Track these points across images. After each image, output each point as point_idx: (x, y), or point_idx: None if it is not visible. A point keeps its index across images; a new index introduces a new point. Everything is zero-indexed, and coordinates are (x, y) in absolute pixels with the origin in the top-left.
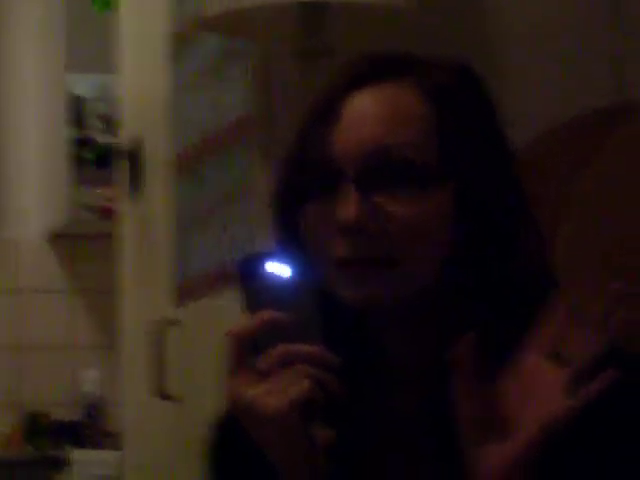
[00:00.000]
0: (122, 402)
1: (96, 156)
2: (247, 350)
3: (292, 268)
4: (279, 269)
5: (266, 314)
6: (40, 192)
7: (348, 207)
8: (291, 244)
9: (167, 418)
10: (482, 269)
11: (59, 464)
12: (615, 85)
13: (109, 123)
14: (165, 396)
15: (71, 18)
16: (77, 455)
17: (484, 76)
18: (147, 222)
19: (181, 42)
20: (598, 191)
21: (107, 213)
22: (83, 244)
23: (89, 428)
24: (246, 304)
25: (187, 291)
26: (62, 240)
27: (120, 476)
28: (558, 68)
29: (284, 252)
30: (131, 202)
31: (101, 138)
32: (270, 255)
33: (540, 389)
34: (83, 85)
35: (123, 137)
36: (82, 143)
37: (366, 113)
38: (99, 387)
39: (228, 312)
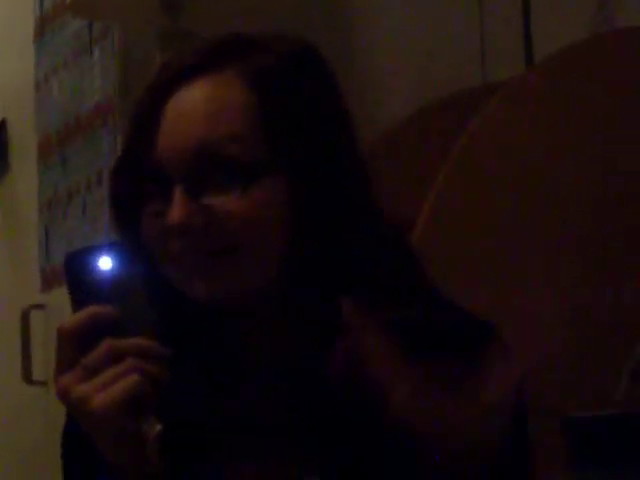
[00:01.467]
0: None
1: None
2: (75, 346)
3: (120, 261)
4: (107, 263)
5: (92, 309)
6: None
7: (174, 209)
8: (133, 245)
9: (33, 402)
10: (321, 258)
11: None
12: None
13: None
14: (31, 381)
15: None
16: None
17: (331, 55)
18: (13, 206)
19: (46, 25)
20: (457, 173)
21: None
22: None
23: None
24: (73, 299)
25: (52, 277)
26: None
27: None
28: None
29: (112, 245)
30: None
31: None
32: (98, 249)
33: None
34: None
35: None
36: None
37: (186, 111)
38: None
39: None
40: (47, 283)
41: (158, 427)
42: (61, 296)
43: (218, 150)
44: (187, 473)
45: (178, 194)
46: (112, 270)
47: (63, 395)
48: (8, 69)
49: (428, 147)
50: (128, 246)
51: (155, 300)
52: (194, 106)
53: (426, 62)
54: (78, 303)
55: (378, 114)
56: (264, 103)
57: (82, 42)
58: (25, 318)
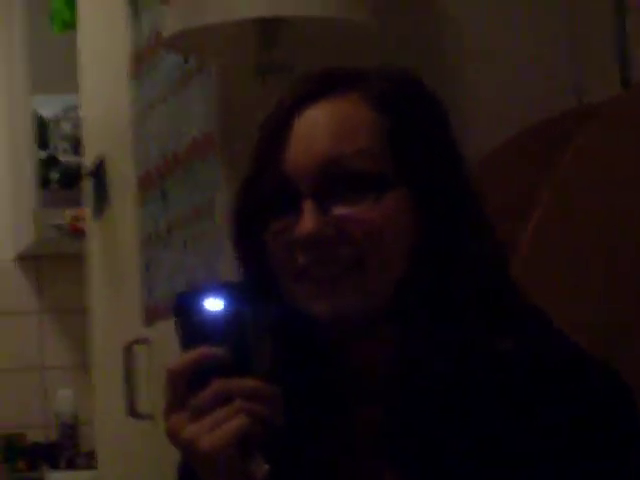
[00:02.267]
0: (96, 421)
1: (61, 176)
2: (184, 386)
3: (230, 301)
4: (217, 303)
5: (201, 350)
6: (6, 213)
7: (304, 221)
8: (252, 266)
9: (139, 436)
10: (441, 274)
11: None
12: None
13: (74, 143)
14: (137, 415)
15: (34, 39)
16: (53, 476)
17: (434, 86)
18: (113, 241)
19: (142, 61)
20: (557, 199)
21: (76, 233)
22: (52, 264)
23: (64, 449)
24: (182, 340)
25: (155, 310)
26: (30, 261)
27: None
28: (514, 79)
29: (222, 285)
30: (97, 221)
31: (66, 158)
32: (207, 289)
33: None
34: (47, 106)
35: (87, 157)
36: (47, 163)
37: (315, 128)
38: (73, 407)
39: None
40: (149, 317)
41: (266, 467)
42: (164, 330)
43: (347, 164)
44: None
45: (308, 207)
46: (221, 310)
47: (172, 435)
48: (105, 106)
49: (525, 171)
50: (248, 268)
51: (271, 330)
52: (322, 122)
53: (515, 79)
54: (187, 343)
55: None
56: (388, 121)
57: (178, 76)
58: (128, 352)
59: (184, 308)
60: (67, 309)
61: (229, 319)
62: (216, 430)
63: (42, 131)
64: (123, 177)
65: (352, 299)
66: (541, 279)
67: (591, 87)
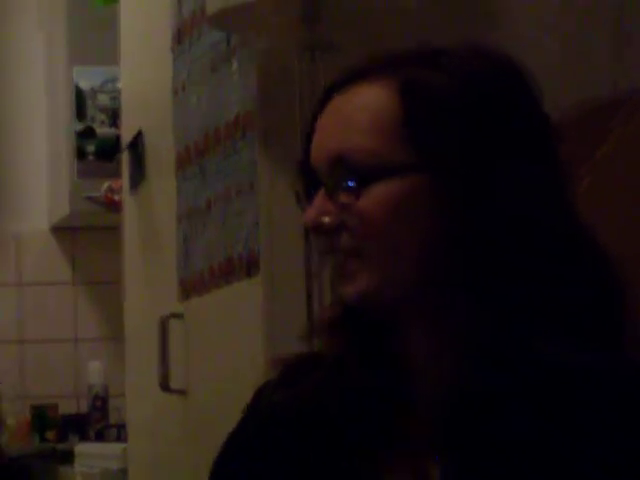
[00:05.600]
0: (127, 395)
1: (98, 148)
2: None
3: None
4: None
5: None
6: (43, 184)
7: (309, 209)
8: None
9: (171, 410)
10: (466, 259)
11: (66, 457)
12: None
13: (112, 116)
14: (169, 389)
15: (74, 11)
16: (82, 448)
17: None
18: (150, 215)
19: (184, 36)
20: (598, 187)
21: (112, 205)
22: (86, 236)
23: (94, 420)
24: None
25: (191, 286)
26: (65, 232)
27: (125, 468)
28: (560, 63)
29: None
30: (133, 195)
31: (103, 130)
32: None
33: None
34: (86, 77)
35: (125, 129)
36: (84, 135)
37: (330, 119)
38: (104, 379)
39: (229, 307)
40: (185, 292)
41: None
42: (198, 305)
43: (353, 156)
44: None
45: (318, 196)
46: None
47: None
48: (144, 79)
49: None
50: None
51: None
52: (337, 111)
53: (552, 68)
54: None
55: None
56: (408, 109)
57: (221, 52)
58: (163, 327)
59: None
60: (101, 281)
61: None
62: None
63: (80, 102)
64: (161, 151)
65: (361, 284)
66: None
67: (633, 79)
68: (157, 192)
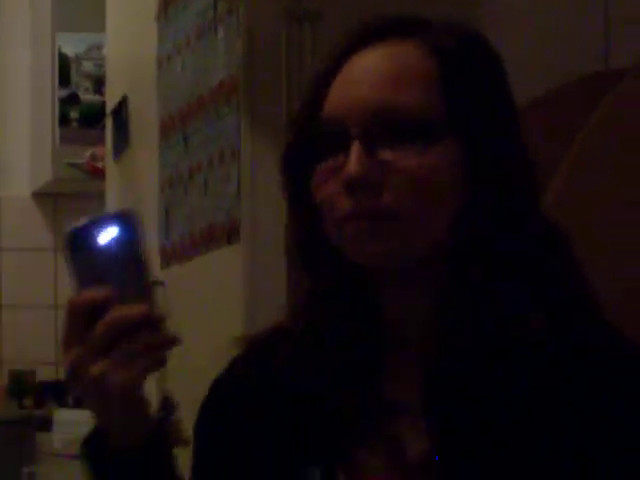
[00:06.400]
0: None
1: (81, 115)
2: (83, 321)
3: (121, 230)
4: (106, 236)
5: (89, 294)
6: (25, 150)
7: (351, 163)
8: (300, 203)
9: (150, 376)
10: (492, 224)
11: (43, 423)
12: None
13: (96, 82)
14: None
15: None
16: (60, 414)
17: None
18: (132, 182)
19: (169, 2)
20: (588, 152)
21: (95, 173)
22: (68, 203)
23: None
24: (76, 277)
25: (172, 253)
26: (47, 198)
27: None
28: (540, 43)
29: (112, 217)
30: (117, 161)
31: (87, 97)
32: (96, 222)
33: None
34: (71, 44)
35: (110, 96)
36: (68, 102)
37: (369, 70)
38: None
39: (209, 274)
40: (166, 260)
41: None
42: (180, 272)
43: (399, 111)
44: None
45: (356, 149)
46: (111, 243)
47: (75, 370)
48: (130, 47)
49: (548, 137)
50: (295, 204)
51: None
52: (377, 66)
53: (541, 42)
54: (82, 280)
55: None
56: (447, 73)
57: (206, 20)
58: None
59: (75, 244)
60: None
61: (115, 252)
62: (128, 366)
63: (64, 69)
64: (145, 119)
65: (389, 245)
66: None
67: (618, 54)
68: (140, 160)
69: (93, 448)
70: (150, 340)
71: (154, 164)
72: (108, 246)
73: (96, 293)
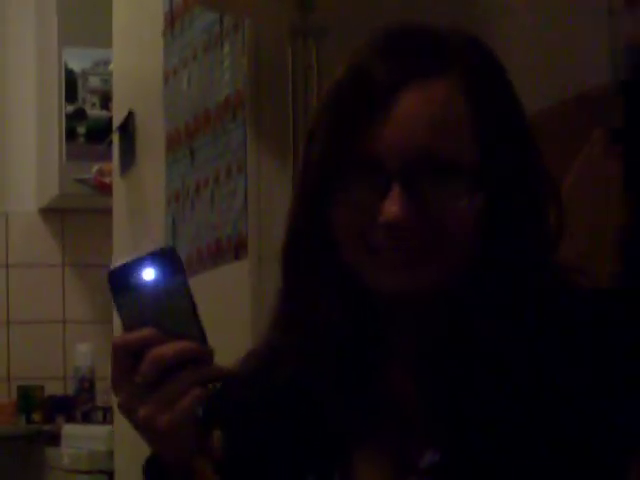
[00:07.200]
0: None
1: (88, 130)
2: (130, 361)
3: (163, 269)
4: (150, 274)
5: (139, 334)
6: (32, 166)
7: (392, 205)
8: (313, 224)
9: None
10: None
11: (52, 438)
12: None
13: (103, 98)
14: None
15: None
16: (68, 429)
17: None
18: (139, 197)
19: (175, 18)
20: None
21: (101, 188)
22: (76, 218)
23: (81, 402)
24: (121, 316)
25: None
26: (54, 214)
27: (111, 450)
28: (548, 53)
29: (150, 257)
30: (124, 177)
31: (93, 112)
32: (138, 262)
33: None
34: (77, 59)
35: (116, 111)
36: (74, 117)
37: (417, 113)
38: (92, 361)
39: (216, 289)
40: None
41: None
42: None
43: (445, 156)
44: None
45: (397, 190)
46: (152, 283)
47: (127, 411)
48: (136, 62)
49: (554, 150)
50: (306, 225)
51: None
52: (426, 108)
53: (549, 53)
54: (127, 322)
55: None
56: (478, 117)
57: (212, 36)
58: None
59: (118, 285)
60: (89, 263)
61: (160, 291)
62: (172, 407)
63: (70, 84)
64: (152, 133)
65: (422, 276)
66: None
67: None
68: (147, 174)
69: (153, 470)
70: (192, 377)
71: (161, 179)
72: (155, 285)
73: (140, 334)
